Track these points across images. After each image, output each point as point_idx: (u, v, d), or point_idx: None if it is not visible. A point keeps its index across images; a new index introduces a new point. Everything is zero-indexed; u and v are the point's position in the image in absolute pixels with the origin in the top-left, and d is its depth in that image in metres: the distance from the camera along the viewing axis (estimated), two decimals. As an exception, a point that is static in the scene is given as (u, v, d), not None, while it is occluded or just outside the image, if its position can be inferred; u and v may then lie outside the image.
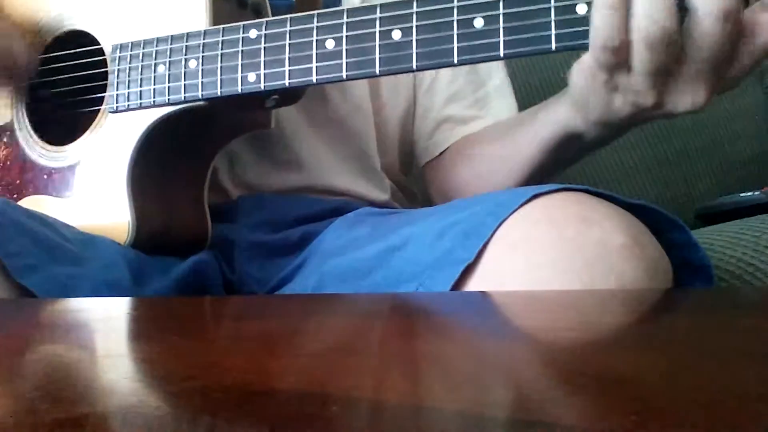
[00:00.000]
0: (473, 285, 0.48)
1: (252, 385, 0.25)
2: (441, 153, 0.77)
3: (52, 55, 0.70)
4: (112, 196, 0.63)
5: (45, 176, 0.67)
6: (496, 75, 0.78)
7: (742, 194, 1.01)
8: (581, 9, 0.47)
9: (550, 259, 0.45)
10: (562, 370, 0.27)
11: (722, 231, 0.78)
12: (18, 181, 0.69)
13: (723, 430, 0.20)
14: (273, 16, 0.66)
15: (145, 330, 0.39)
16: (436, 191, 0.79)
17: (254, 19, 0.63)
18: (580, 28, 0.47)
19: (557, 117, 0.58)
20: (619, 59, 0.45)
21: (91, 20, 0.67)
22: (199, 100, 0.59)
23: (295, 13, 0.70)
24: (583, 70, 0.49)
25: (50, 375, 0.28)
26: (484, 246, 0.48)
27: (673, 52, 0.44)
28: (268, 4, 0.66)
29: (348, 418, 0.22)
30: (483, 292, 0.47)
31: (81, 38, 0.68)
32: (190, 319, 0.41)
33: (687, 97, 0.46)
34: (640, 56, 0.45)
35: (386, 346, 0.32)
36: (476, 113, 0.77)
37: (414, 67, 0.52)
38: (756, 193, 0.99)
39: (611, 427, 0.20)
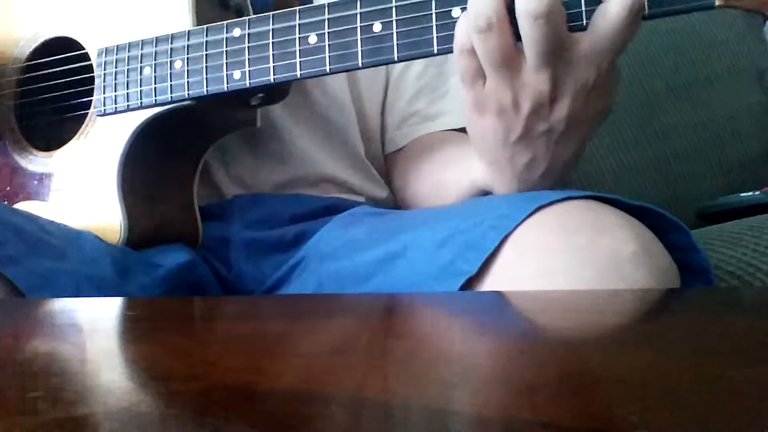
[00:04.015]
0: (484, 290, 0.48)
1: (252, 385, 0.25)
2: (405, 146, 0.77)
3: (38, 61, 0.70)
4: (103, 198, 0.63)
5: (35, 181, 0.67)
6: None
7: (742, 194, 1.01)
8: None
9: (562, 266, 0.45)
10: (562, 370, 0.27)
11: (722, 231, 0.77)
12: (8, 187, 0.69)
13: (723, 430, 0.20)
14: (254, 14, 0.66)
15: (144, 330, 0.39)
16: (396, 189, 0.79)
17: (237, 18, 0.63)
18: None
19: (472, 176, 0.60)
20: (473, 63, 0.49)
21: (75, 25, 0.68)
22: (185, 99, 0.60)
23: (274, 10, 0.71)
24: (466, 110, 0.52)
25: (50, 375, 0.28)
26: (492, 256, 0.48)
27: (502, 42, 0.47)
28: (249, 5, 0.66)
29: (347, 418, 0.22)
30: (481, 293, 0.47)
31: (66, 44, 0.68)
32: (190, 320, 0.41)
33: (530, 91, 0.49)
34: (478, 47, 0.48)
35: (385, 347, 0.32)
36: (442, 107, 0.77)
37: (396, 58, 0.53)
38: (756, 193, 0.99)
39: (611, 427, 0.20)
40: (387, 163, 0.80)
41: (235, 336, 0.35)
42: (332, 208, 0.71)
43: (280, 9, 0.68)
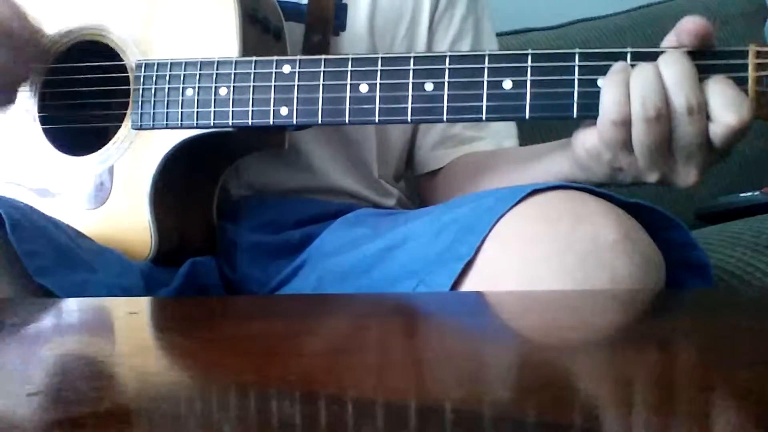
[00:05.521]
0: (470, 281, 0.48)
1: (252, 385, 0.25)
2: (440, 168, 0.78)
3: (69, 65, 0.69)
4: (133, 211, 0.63)
5: (62, 186, 0.67)
6: None
7: (742, 194, 1.00)
8: (601, 83, 0.52)
9: (544, 255, 0.46)
10: (561, 370, 0.27)
11: (722, 231, 0.78)
12: (34, 190, 0.68)
13: (723, 429, 0.20)
14: (284, 20, 0.67)
15: (146, 330, 0.39)
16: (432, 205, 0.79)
17: (275, 42, 0.66)
18: (599, 101, 0.52)
19: (560, 172, 0.59)
20: (621, 136, 0.50)
21: (114, 32, 0.67)
22: (228, 127, 0.61)
23: (306, 15, 0.71)
24: (588, 150, 0.53)
25: (51, 375, 0.28)
26: (482, 242, 0.48)
27: (664, 131, 0.49)
28: (285, 31, 0.67)
29: (348, 417, 0.22)
30: (481, 292, 0.48)
31: (100, 48, 0.67)
32: (191, 320, 0.41)
33: (680, 177, 0.52)
34: (637, 131, 0.49)
35: (385, 347, 0.32)
36: (477, 134, 0.77)
37: (444, 119, 0.55)
38: (756, 193, 0.99)
39: (609, 426, 0.20)
40: (421, 183, 0.81)
41: (236, 336, 0.35)
42: (339, 213, 0.71)
43: (312, 14, 0.69)
